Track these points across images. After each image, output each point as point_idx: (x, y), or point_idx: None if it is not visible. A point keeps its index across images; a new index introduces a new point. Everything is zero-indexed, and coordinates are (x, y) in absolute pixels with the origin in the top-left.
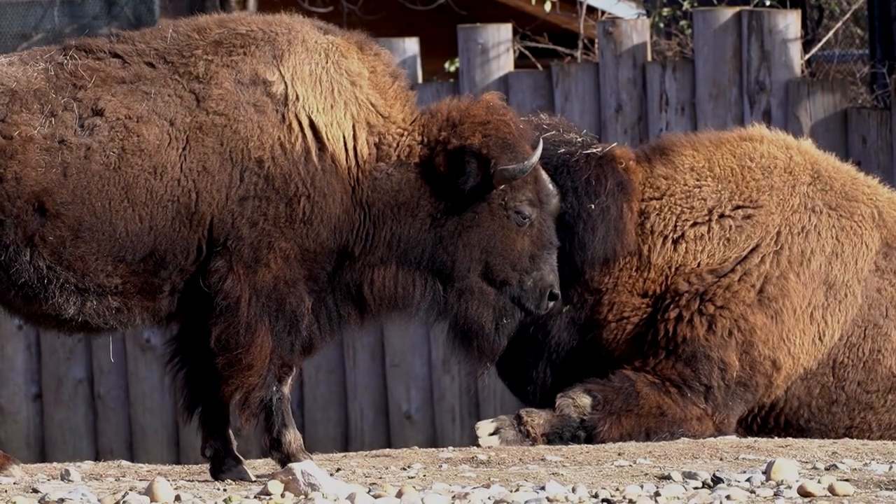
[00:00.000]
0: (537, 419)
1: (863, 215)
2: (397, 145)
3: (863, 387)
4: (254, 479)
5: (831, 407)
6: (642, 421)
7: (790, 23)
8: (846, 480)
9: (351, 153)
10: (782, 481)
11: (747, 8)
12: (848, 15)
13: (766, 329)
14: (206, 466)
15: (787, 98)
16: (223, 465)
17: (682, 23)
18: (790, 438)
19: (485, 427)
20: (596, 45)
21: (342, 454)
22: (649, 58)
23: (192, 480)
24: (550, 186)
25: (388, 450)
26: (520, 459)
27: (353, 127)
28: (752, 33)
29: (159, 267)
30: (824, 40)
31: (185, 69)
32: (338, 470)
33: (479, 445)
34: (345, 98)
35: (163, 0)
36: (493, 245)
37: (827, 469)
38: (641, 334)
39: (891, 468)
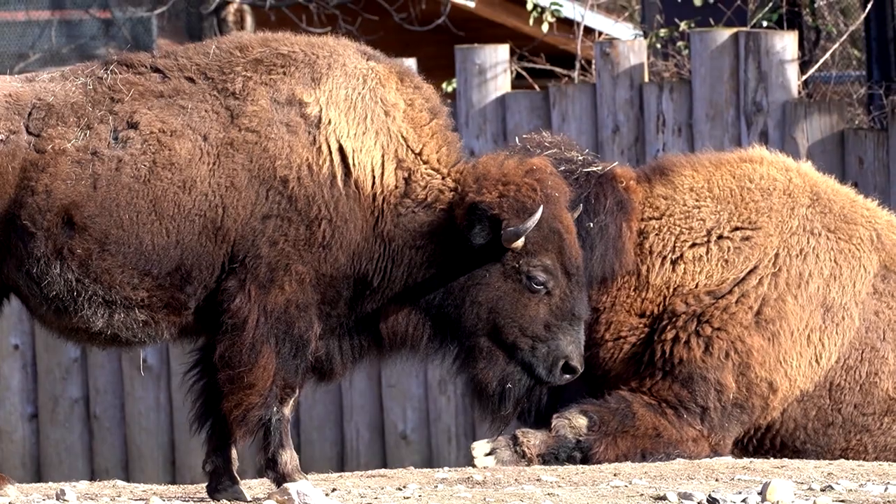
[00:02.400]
0: (533, 440)
1: (861, 238)
2: (426, 185)
3: (859, 409)
4: (249, 499)
5: (827, 429)
6: (638, 442)
7: (787, 44)
8: (842, 502)
9: (378, 182)
10: (777, 502)
11: (744, 29)
12: (845, 36)
13: (763, 351)
14: (201, 486)
15: (784, 119)
16: (220, 484)
17: (680, 44)
18: (786, 459)
19: (481, 447)
20: (593, 66)
21: (338, 474)
22: (646, 78)
23: (188, 500)
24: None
25: (383, 470)
26: (515, 480)
27: (382, 157)
28: (749, 54)
29: (185, 282)
30: (821, 61)
31: (223, 85)
32: (333, 490)
33: (474, 466)
34: (377, 127)
35: (160, 20)
36: (501, 307)
37: (822, 490)
38: (638, 354)
39: (886, 489)
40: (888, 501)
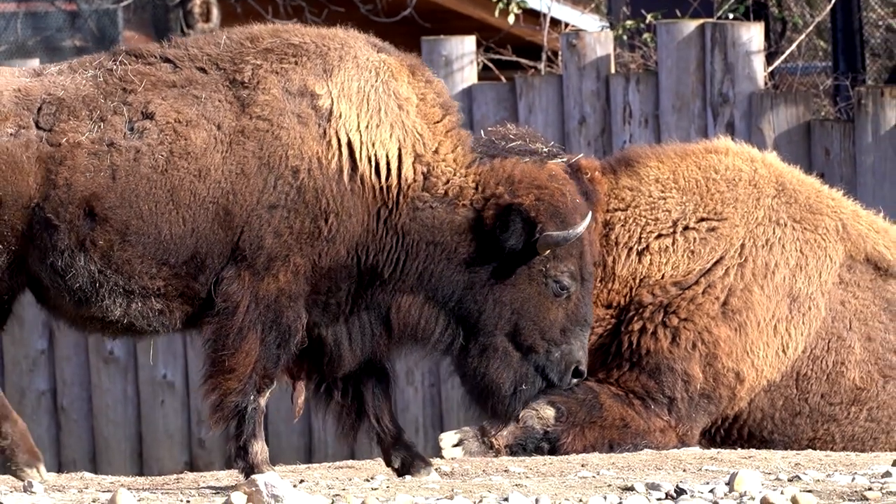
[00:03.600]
0: (501, 430)
1: (827, 228)
2: (447, 181)
3: (826, 399)
4: (441, 477)
5: (794, 419)
6: (606, 433)
7: (753, 35)
8: (809, 492)
9: (394, 175)
10: (745, 492)
11: (711, 20)
12: (811, 27)
13: (730, 341)
14: (169, 478)
15: (751, 110)
16: (412, 468)
17: (646, 35)
18: (753, 450)
19: (448, 438)
20: (560, 58)
21: (305, 465)
22: (613, 70)
23: (155, 492)
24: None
25: (351, 461)
26: (483, 471)
27: (399, 150)
28: (716, 46)
29: (199, 271)
30: (787, 52)
31: (234, 75)
32: (301, 481)
33: (442, 457)
34: (391, 120)
35: (126, 13)
36: (525, 309)
37: (790, 480)
38: (605, 345)
39: (853, 479)
40: (855, 491)
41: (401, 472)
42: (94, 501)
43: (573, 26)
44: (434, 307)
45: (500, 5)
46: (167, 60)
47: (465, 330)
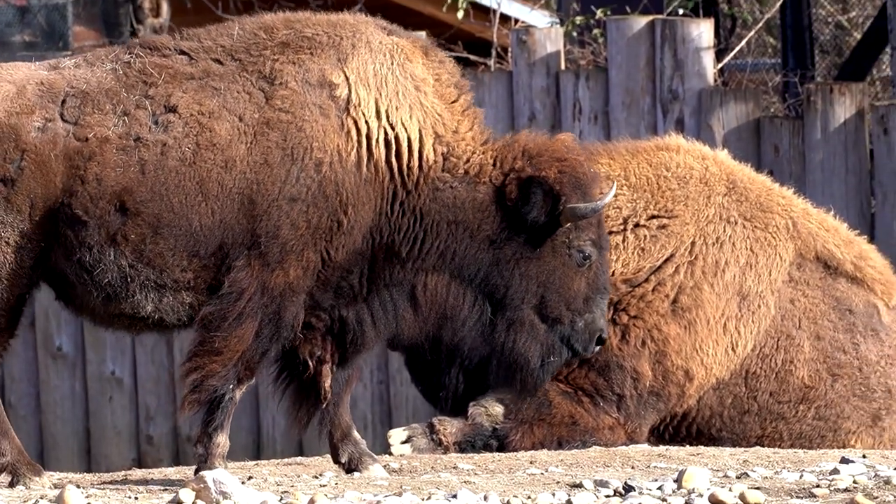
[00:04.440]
0: (449, 427)
1: (777, 226)
2: (467, 161)
3: (775, 397)
4: (389, 474)
5: (743, 417)
6: (554, 430)
7: (703, 32)
8: (757, 489)
9: (415, 157)
10: (693, 489)
11: (661, 17)
12: (760, 24)
13: (680, 339)
14: (117, 474)
15: (700, 107)
16: (360, 464)
17: (596, 31)
18: (702, 447)
19: (397, 435)
20: (509, 54)
21: (254, 462)
22: (563, 66)
23: (103, 489)
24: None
25: (300, 458)
26: (432, 468)
27: (420, 131)
28: (666, 42)
29: (223, 262)
30: (737, 49)
31: (253, 67)
32: (249, 478)
33: (391, 453)
34: (410, 101)
35: (76, 8)
36: (551, 281)
37: (738, 477)
38: None
39: (801, 476)
40: (803, 488)
41: (348, 468)
42: (42, 498)
43: (523, 22)
44: (461, 284)
45: (450, 1)
46: (182, 52)
47: (491, 305)
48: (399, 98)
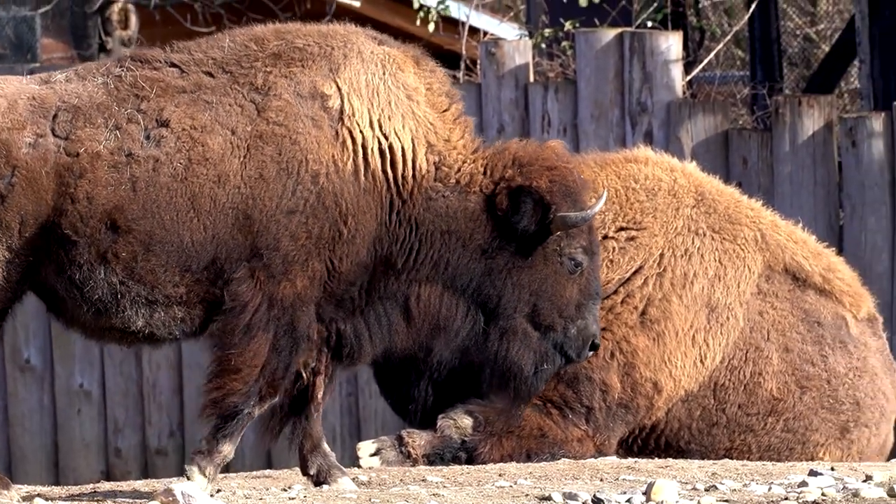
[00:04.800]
0: (418, 440)
1: (746, 238)
2: (458, 170)
3: (743, 409)
4: (358, 486)
5: (711, 429)
6: (523, 442)
7: (672, 44)
8: (726, 501)
9: (409, 166)
10: (662, 502)
11: (629, 29)
12: (729, 37)
13: (648, 351)
14: (86, 487)
15: (669, 119)
16: (329, 477)
17: (565, 44)
18: (670, 459)
19: (366, 448)
20: (478, 66)
21: (223, 475)
22: (531, 78)
23: (72, 501)
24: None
25: (268, 471)
26: (401, 480)
27: (412, 140)
28: (634, 54)
29: (218, 276)
30: (706, 62)
31: (244, 79)
32: (218, 491)
33: (360, 466)
34: (402, 111)
35: (44, 20)
36: (543, 289)
37: (707, 490)
38: None
39: (770, 489)
40: (771, 501)
41: (317, 481)
42: None
43: (492, 35)
44: (454, 294)
45: (420, 14)
46: (174, 65)
47: (484, 314)
48: (391, 108)
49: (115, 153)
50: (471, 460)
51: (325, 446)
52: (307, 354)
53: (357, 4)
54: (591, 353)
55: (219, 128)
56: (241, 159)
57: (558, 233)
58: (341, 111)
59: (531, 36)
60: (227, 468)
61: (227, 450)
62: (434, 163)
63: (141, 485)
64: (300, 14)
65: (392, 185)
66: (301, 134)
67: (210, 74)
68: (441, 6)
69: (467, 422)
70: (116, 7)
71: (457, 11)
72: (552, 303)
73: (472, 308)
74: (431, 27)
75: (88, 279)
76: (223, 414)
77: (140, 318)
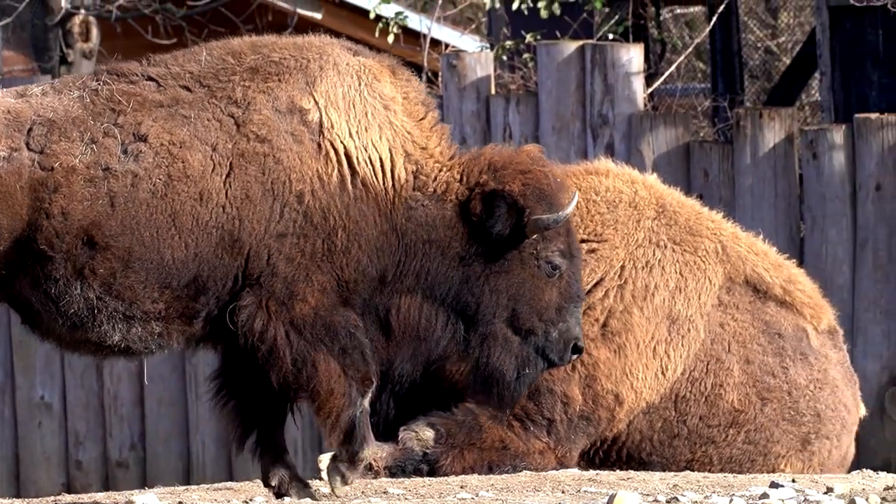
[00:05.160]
0: (380, 452)
1: (706, 250)
2: (435, 178)
3: (704, 421)
4: (319, 499)
5: (673, 441)
6: (485, 454)
7: (633, 56)
8: None
9: (388, 176)
10: None
11: (590, 42)
12: (690, 49)
13: (610, 363)
14: (46, 500)
15: (630, 131)
16: (290, 489)
17: (526, 56)
18: (632, 471)
19: (328, 460)
20: (440, 78)
21: (184, 487)
22: (493, 91)
23: None
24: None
25: (230, 483)
26: (362, 492)
27: (390, 151)
28: (596, 67)
29: (199, 293)
30: (667, 74)
31: (222, 93)
32: (179, 503)
33: (321, 478)
34: (379, 121)
35: (5, 33)
36: (521, 293)
37: (668, 502)
38: None
39: (731, 501)
40: None
41: (279, 493)
42: None
43: (453, 47)
44: (433, 304)
45: (380, 25)
46: (150, 79)
47: (464, 322)
48: (368, 119)
49: (91, 167)
50: (432, 472)
51: (289, 458)
52: (366, 336)
53: (318, 17)
54: (575, 356)
55: (198, 143)
56: (224, 177)
57: (534, 236)
58: (321, 124)
59: (493, 48)
60: (188, 479)
61: (369, 452)
62: (412, 172)
63: (102, 497)
64: (262, 26)
65: (378, 195)
66: (283, 151)
67: (187, 88)
68: (400, 17)
69: (429, 434)
70: (77, 19)
71: (418, 24)
72: (531, 307)
73: (452, 316)
74: (392, 39)
75: (64, 294)
76: (346, 428)
77: (117, 332)
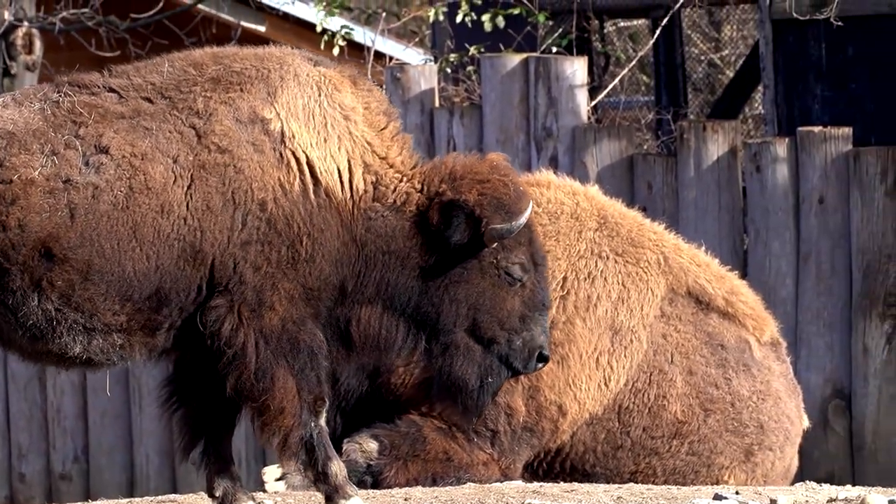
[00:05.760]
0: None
1: (649, 261)
2: (395, 189)
3: (648, 432)
4: None
5: (616, 452)
6: (429, 466)
7: (577, 69)
8: None
9: (347, 187)
10: None
11: (534, 54)
12: (634, 62)
13: (553, 374)
14: None
15: (574, 144)
16: (234, 501)
17: (470, 69)
18: (576, 483)
19: (271, 472)
20: (384, 91)
21: (127, 500)
22: (437, 103)
23: None
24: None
25: (173, 495)
26: None
27: (349, 162)
28: (540, 79)
29: (162, 305)
30: (610, 87)
31: (184, 104)
32: None
33: (265, 490)
34: (338, 132)
35: None
36: (481, 302)
37: None
38: (429, 379)
39: None
40: None
41: (223, 503)
42: None
43: (397, 60)
44: (393, 315)
45: (325, 38)
46: (112, 90)
47: (425, 332)
48: (328, 129)
49: (51, 179)
50: (376, 484)
51: (235, 469)
52: (329, 358)
53: (262, 29)
54: (541, 364)
55: (160, 155)
56: (185, 189)
57: (494, 245)
58: (282, 133)
59: (436, 61)
60: (131, 492)
61: (337, 466)
62: (372, 182)
63: None
64: (206, 39)
65: (338, 205)
66: (244, 161)
67: (149, 100)
68: (345, 31)
69: (373, 446)
70: (21, 32)
71: (362, 37)
72: (492, 315)
73: (413, 327)
74: (336, 52)
75: (22, 305)
76: (298, 450)
77: (77, 344)
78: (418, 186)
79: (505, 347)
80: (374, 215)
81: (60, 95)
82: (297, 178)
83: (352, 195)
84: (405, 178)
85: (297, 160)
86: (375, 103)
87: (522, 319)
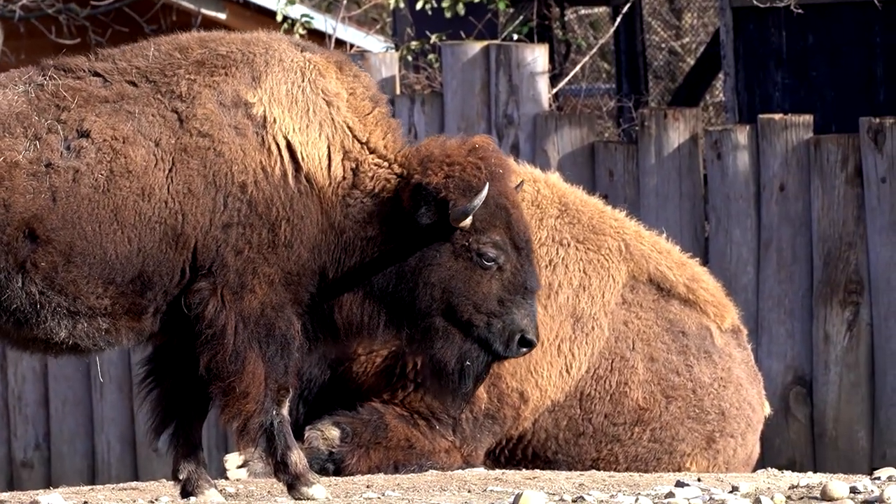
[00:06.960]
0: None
1: (610, 248)
2: (374, 175)
3: (609, 419)
4: (226, 498)
5: (578, 439)
6: (391, 453)
7: (538, 57)
8: None
9: (326, 174)
10: None
11: (495, 42)
12: (595, 49)
13: (514, 362)
14: None
15: (535, 132)
16: (196, 488)
17: (431, 56)
18: (538, 470)
19: (233, 460)
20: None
21: (89, 487)
22: (398, 91)
23: None
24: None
25: (135, 483)
26: (268, 492)
27: (329, 148)
28: (501, 67)
29: (146, 288)
30: (571, 74)
31: (167, 88)
32: (85, 503)
33: (227, 478)
34: (320, 118)
35: None
36: (454, 286)
37: (574, 501)
38: (390, 367)
39: (637, 500)
40: None
41: (184, 491)
42: None
43: (358, 47)
44: (374, 301)
45: (286, 26)
46: (97, 74)
47: (406, 317)
48: (309, 115)
49: (34, 162)
50: (338, 472)
51: (202, 456)
52: (303, 349)
53: (223, 17)
54: (525, 349)
55: (141, 139)
56: (167, 172)
57: (466, 228)
58: (265, 118)
59: (397, 48)
60: (93, 479)
61: (296, 455)
62: (351, 169)
63: (7, 497)
64: (166, 26)
65: (319, 192)
66: (225, 144)
67: (133, 84)
68: (305, 19)
69: (335, 433)
70: None
71: (323, 24)
72: (467, 298)
73: (393, 312)
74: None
75: (6, 288)
76: (258, 437)
77: (62, 329)
78: (398, 171)
79: (484, 331)
80: (353, 202)
81: (45, 79)
82: (279, 163)
83: (331, 182)
84: (385, 164)
85: (279, 145)
86: (361, 89)
87: (501, 302)
